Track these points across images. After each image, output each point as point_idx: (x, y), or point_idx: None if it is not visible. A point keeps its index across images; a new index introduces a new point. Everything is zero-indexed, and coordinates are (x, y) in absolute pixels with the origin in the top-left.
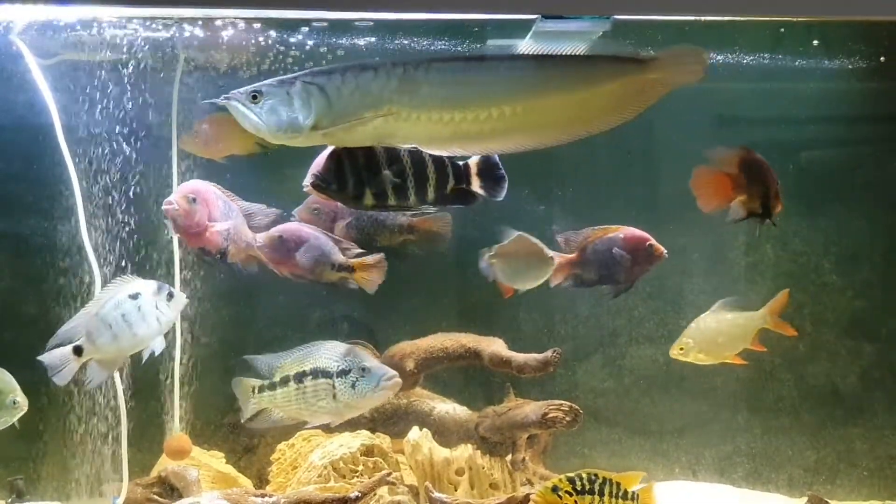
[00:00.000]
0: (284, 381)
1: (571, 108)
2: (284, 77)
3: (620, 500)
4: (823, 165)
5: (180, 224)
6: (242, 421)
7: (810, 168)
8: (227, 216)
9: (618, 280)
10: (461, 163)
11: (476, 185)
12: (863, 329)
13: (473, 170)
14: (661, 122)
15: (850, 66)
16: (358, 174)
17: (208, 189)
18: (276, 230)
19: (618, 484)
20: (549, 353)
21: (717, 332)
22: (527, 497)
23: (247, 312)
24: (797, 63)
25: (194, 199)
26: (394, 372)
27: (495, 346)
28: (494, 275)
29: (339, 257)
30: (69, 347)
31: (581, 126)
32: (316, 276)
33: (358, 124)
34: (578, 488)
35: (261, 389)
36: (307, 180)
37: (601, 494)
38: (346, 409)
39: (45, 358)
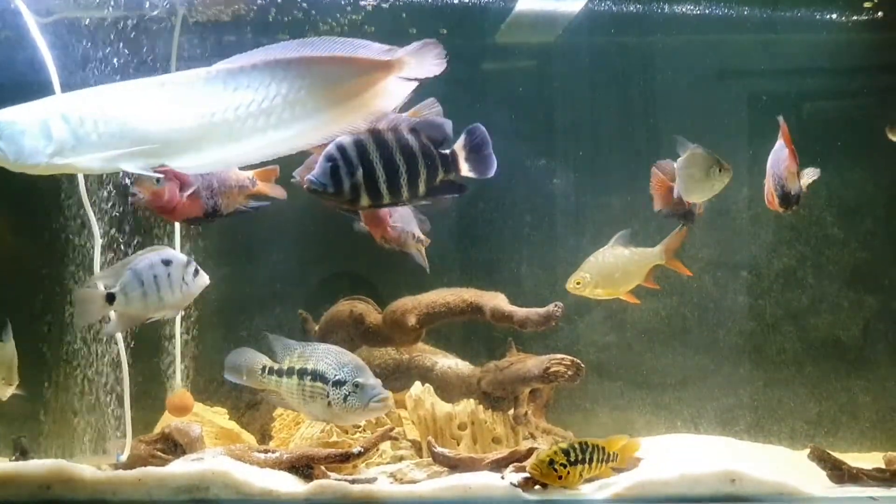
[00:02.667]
0: (290, 372)
1: (323, 112)
2: (24, 104)
3: (603, 464)
4: (825, 117)
5: (152, 208)
6: (227, 377)
7: (812, 120)
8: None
9: (691, 213)
10: (447, 151)
11: (465, 171)
12: (865, 281)
13: (461, 155)
14: (664, 76)
15: (852, 18)
16: (353, 176)
17: None
18: None
19: (603, 449)
20: (550, 308)
21: (614, 267)
22: (529, 451)
23: (248, 269)
24: (799, 14)
25: (158, 180)
26: (386, 393)
27: (497, 300)
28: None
29: (417, 230)
30: (101, 293)
31: (334, 126)
32: (400, 243)
33: (105, 153)
34: (573, 459)
35: (270, 371)
36: (304, 183)
37: (590, 462)
38: (334, 418)
39: (78, 295)
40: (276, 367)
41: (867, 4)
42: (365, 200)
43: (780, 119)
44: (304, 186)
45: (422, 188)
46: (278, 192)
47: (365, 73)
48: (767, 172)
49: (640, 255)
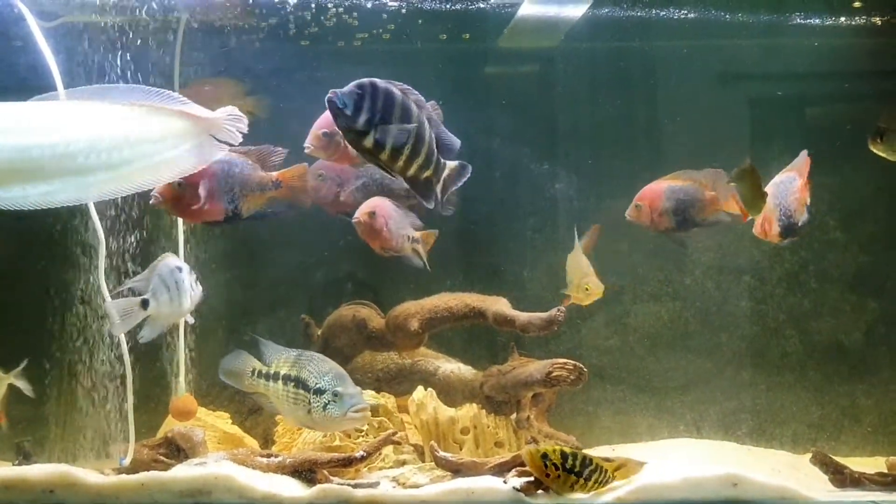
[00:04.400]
0: (276, 377)
1: (131, 164)
2: None
3: (600, 485)
4: (828, 121)
5: (172, 212)
6: (222, 377)
7: (815, 124)
8: (228, 175)
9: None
10: (443, 161)
11: (439, 188)
12: (867, 285)
13: (445, 171)
14: (666, 81)
15: (855, 22)
16: (372, 114)
17: None
18: (367, 207)
19: (605, 471)
20: (553, 312)
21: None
22: None
23: (251, 273)
24: (800, 19)
25: (180, 184)
26: (365, 403)
27: (499, 305)
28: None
29: (412, 231)
30: (137, 300)
31: (137, 178)
32: (398, 248)
33: None
34: (568, 466)
35: (259, 374)
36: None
37: (587, 479)
38: (315, 425)
39: (110, 306)
40: (264, 370)
41: (856, 4)
42: (369, 142)
43: (805, 154)
44: (327, 97)
45: (413, 169)
46: (303, 199)
47: (178, 130)
48: (768, 202)
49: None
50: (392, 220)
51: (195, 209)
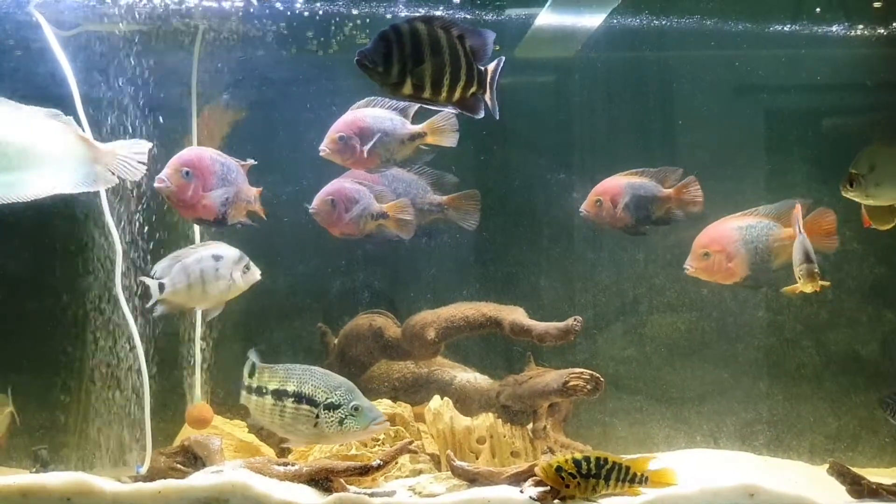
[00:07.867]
0: (260, 391)
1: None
2: None
3: (627, 485)
4: (845, 132)
5: (173, 199)
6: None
7: (831, 134)
8: (225, 180)
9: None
10: (483, 67)
11: (489, 95)
12: (884, 296)
13: (487, 77)
14: (682, 91)
15: (871, 33)
16: (403, 62)
17: (203, 157)
18: (326, 194)
19: (627, 468)
20: (569, 322)
21: None
22: None
23: (268, 282)
24: (817, 30)
25: (188, 173)
26: (384, 416)
27: (516, 314)
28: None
29: (376, 206)
30: (157, 282)
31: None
32: (360, 230)
33: None
34: (584, 472)
35: (249, 390)
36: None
37: (607, 479)
38: (323, 439)
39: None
40: (254, 385)
41: (876, 4)
42: (408, 88)
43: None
44: (356, 59)
45: (458, 93)
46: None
47: (76, 153)
48: (733, 243)
49: None
50: (351, 203)
51: (195, 203)
